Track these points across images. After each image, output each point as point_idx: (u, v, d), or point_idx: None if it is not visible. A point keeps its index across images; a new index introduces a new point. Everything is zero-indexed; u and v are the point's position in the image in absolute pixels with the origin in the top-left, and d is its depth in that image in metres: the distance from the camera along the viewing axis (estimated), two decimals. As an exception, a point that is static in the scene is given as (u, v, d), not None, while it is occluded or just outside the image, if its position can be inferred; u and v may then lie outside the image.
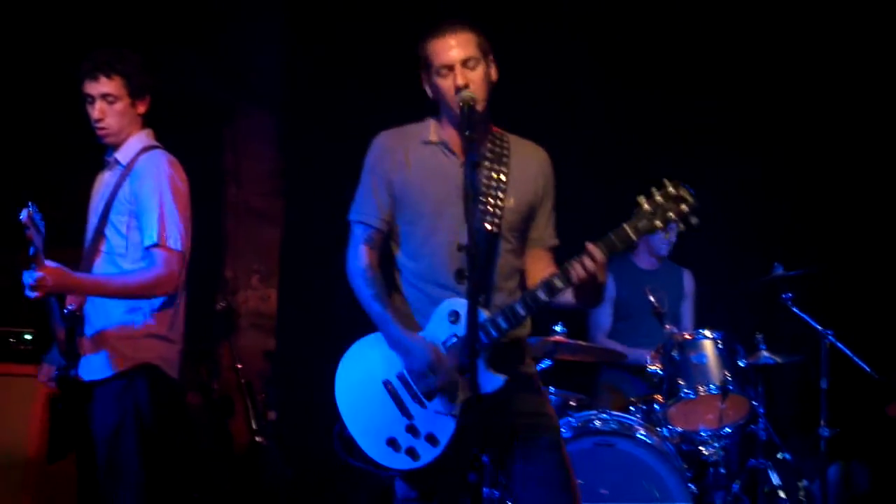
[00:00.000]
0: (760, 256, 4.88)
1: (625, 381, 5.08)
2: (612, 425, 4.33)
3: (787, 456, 5.00)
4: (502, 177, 2.96)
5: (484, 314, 2.80)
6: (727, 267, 5.18)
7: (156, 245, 3.36)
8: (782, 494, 4.76)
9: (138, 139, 3.52)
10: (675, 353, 4.59)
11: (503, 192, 2.94)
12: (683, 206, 2.69)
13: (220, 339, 5.27)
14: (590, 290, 2.82)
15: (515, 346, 2.99)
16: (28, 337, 4.59)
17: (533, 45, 5.32)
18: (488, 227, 2.90)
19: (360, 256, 3.00)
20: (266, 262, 5.72)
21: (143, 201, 3.41)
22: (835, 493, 4.99)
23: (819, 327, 4.71)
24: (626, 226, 2.73)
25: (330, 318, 5.39)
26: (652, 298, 4.62)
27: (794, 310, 4.77)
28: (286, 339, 5.63)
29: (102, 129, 3.47)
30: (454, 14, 2.99)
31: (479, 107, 2.88)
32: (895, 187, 5.34)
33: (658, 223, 2.70)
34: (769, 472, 4.80)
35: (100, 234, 3.46)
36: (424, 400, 2.87)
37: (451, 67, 2.88)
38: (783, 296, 4.78)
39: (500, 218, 2.93)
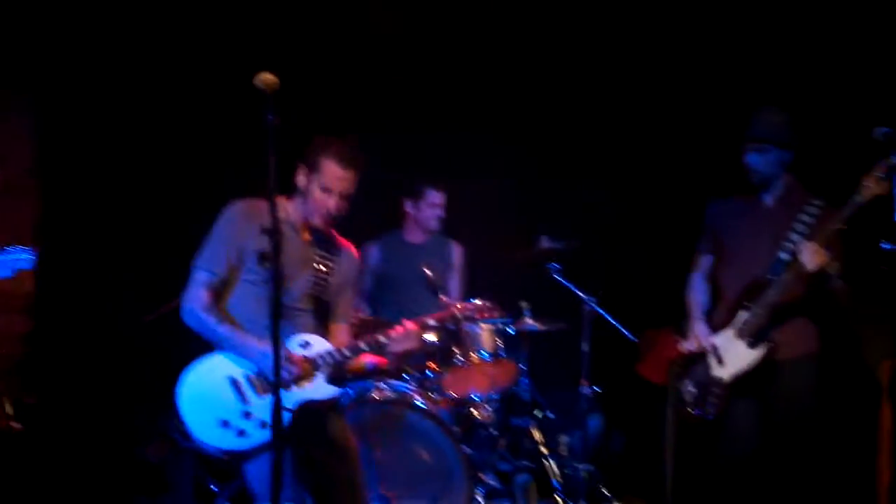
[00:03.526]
0: (527, 229, 5.12)
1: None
2: (389, 394, 4.45)
3: (550, 414, 5.34)
4: (330, 266, 3.65)
5: (329, 346, 3.54)
6: (496, 240, 5.38)
7: None
8: (543, 450, 5.09)
9: None
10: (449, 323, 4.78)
11: (329, 272, 3.64)
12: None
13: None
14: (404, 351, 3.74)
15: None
16: None
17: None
18: (313, 291, 3.60)
19: (200, 298, 3.49)
20: (21, 241, 5.38)
21: None
22: (593, 444, 5.34)
23: (582, 295, 5.04)
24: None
25: (91, 300, 5.23)
26: (427, 272, 4.75)
27: (559, 279, 5.08)
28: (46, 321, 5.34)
29: None
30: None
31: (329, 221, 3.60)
32: (614, 169, 5.73)
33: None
34: (531, 429, 5.12)
35: None
36: (265, 395, 3.39)
37: (332, 192, 3.50)
38: (549, 266, 5.08)
39: (322, 289, 3.62)
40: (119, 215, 5.38)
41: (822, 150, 4.55)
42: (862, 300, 4.71)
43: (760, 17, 5.31)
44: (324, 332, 3.65)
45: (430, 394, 4.68)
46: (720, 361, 4.08)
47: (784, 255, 4.02)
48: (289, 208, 3.59)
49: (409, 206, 5.32)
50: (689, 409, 4.18)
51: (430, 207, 5.27)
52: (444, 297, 4.84)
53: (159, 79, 5.36)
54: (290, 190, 3.59)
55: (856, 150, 3.80)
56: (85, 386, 5.27)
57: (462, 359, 4.74)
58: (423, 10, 5.50)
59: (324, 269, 3.61)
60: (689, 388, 4.18)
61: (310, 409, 3.44)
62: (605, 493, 5.03)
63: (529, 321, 5.01)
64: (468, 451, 4.49)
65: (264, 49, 5.12)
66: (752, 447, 4.08)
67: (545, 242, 4.97)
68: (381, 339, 3.58)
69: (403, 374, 4.76)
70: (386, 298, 5.23)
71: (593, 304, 5.02)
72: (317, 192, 3.51)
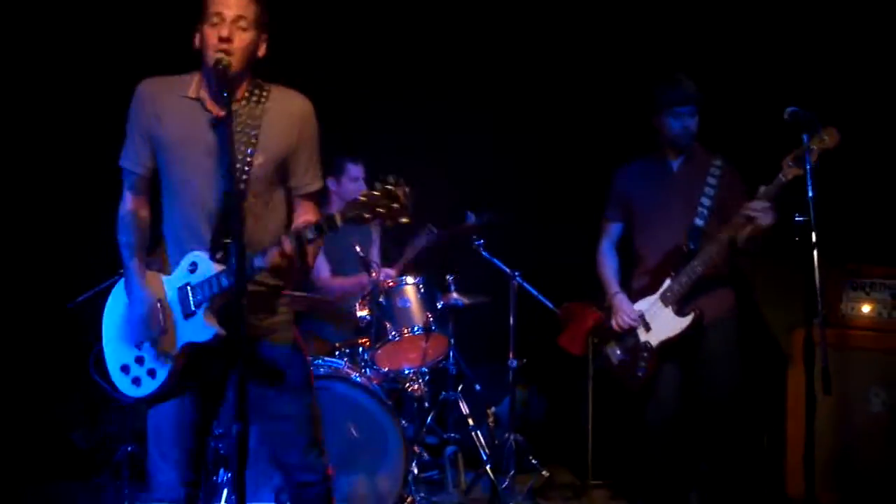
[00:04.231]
0: (455, 206, 5.22)
1: (325, 327, 5.22)
2: (326, 370, 4.49)
3: (478, 387, 5.48)
4: (252, 135, 3.02)
5: (214, 269, 2.96)
6: (425, 216, 5.46)
7: None
8: (471, 422, 5.22)
9: None
10: (381, 299, 4.86)
11: (252, 150, 3.02)
12: (395, 205, 2.77)
13: None
14: (285, 273, 2.97)
15: (259, 297, 3.10)
16: None
17: None
18: (237, 186, 2.97)
19: (124, 202, 3.12)
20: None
21: None
22: (520, 415, 5.50)
23: (507, 269, 5.17)
24: (336, 213, 2.84)
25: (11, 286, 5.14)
26: (358, 249, 4.80)
27: (485, 254, 5.21)
28: None
29: None
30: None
31: (235, 67, 2.93)
32: (575, 148, 5.86)
33: (366, 215, 2.78)
34: (459, 402, 5.23)
35: None
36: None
37: (222, 18, 2.93)
38: (475, 242, 5.20)
39: (247, 176, 3.01)
40: (41, 200, 5.28)
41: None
42: (771, 271, 5.00)
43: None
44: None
45: (363, 369, 4.75)
46: (647, 328, 4.27)
47: (699, 222, 4.24)
48: (194, 84, 3.05)
49: (331, 183, 5.35)
50: (618, 374, 4.36)
51: (352, 182, 5.29)
52: (374, 273, 4.91)
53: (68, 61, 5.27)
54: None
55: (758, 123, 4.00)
56: (9, 373, 5.18)
57: (395, 333, 4.82)
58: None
59: (239, 156, 2.98)
60: (618, 354, 4.36)
61: (195, 353, 3.01)
62: (533, 461, 5.18)
63: (455, 295, 5.12)
64: (404, 423, 4.58)
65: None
66: (677, 409, 4.29)
67: (471, 219, 5.07)
68: (255, 261, 2.92)
69: (335, 352, 4.84)
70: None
71: (518, 279, 5.15)
72: (209, 31, 2.93)
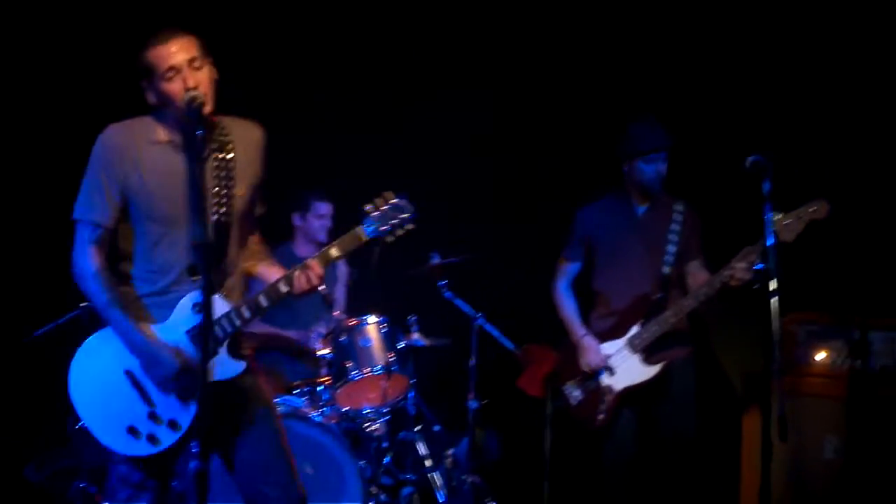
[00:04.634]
0: (419, 246, 5.24)
1: (282, 363, 5.23)
2: (285, 409, 4.47)
3: (437, 427, 5.47)
4: (230, 167, 3.04)
5: (226, 306, 2.98)
6: (388, 255, 5.47)
7: None
8: (428, 462, 5.20)
9: None
10: (343, 338, 4.86)
11: (232, 181, 3.04)
12: (404, 214, 3.04)
13: None
14: (306, 294, 3.08)
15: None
16: None
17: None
18: (222, 219, 3.00)
19: (91, 258, 2.98)
20: None
21: None
22: (479, 456, 5.49)
23: (470, 311, 5.20)
24: (356, 230, 3.04)
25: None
26: (322, 287, 4.79)
27: (448, 295, 5.23)
28: None
29: None
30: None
31: (208, 106, 2.93)
32: (537, 189, 5.90)
33: (384, 228, 3.02)
34: (417, 443, 5.21)
35: None
36: (170, 388, 2.98)
37: (178, 70, 2.92)
38: (438, 283, 5.22)
39: (231, 208, 3.03)
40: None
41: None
42: (728, 316, 5.08)
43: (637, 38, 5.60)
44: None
45: (322, 408, 4.74)
46: (612, 372, 4.31)
47: (666, 270, 4.32)
48: (160, 128, 3.02)
49: (296, 219, 5.37)
50: (576, 414, 4.39)
51: (318, 219, 5.31)
52: (337, 312, 4.93)
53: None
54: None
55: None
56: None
57: (356, 372, 4.81)
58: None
59: (223, 190, 3.00)
60: (577, 395, 4.40)
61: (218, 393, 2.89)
62: (491, 503, 5.16)
63: (417, 336, 5.13)
64: (362, 464, 4.57)
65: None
66: (634, 451, 4.33)
67: (436, 259, 5.10)
68: (282, 287, 3.04)
69: (294, 391, 4.82)
70: (279, 312, 5.15)
71: (481, 320, 5.18)
72: (171, 87, 2.91)
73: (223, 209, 3.00)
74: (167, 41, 2.93)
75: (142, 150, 2.99)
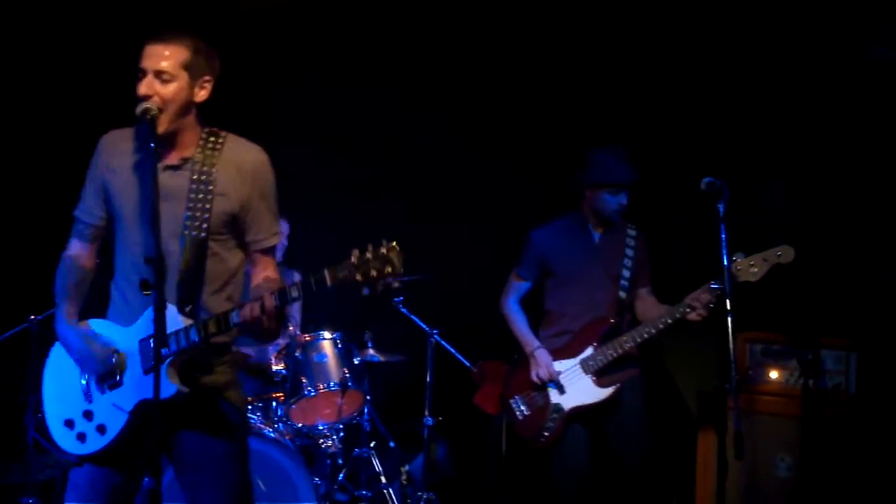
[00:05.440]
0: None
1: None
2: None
3: (392, 443, 5.44)
4: (209, 182, 2.93)
5: (181, 323, 2.82)
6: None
7: None
8: (383, 479, 5.18)
9: None
10: (298, 354, 4.82)
11: (210, 198, 2.93)
12: (388, 269, 2.62)
13: None
14: (257, 330, 2.81)
15: (212, 353, 2.96)
16: None
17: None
18: (194, 233, 2.90)
19: (70, 248, 3.06)
20: None
21: None
22: (434, 473, 5.47)
23: (426, 327, 5.18)
24: (326, 271, 2.68)
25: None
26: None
27: (404, 311, 5.21)
28: None
29: None
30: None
31: (162, 125, 2.86)
32: (493, 206, 5.91)
33: (358, 277, 2.63)
34: (372, 459, 5.18)
35: None
36: (107, 389, 2.92)
37: (144, 73, 2.88)
38: (394, 299, 5.20)
39: (206, 223, 2.92)
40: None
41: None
42: (682, 335, 5.11)
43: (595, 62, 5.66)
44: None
45: (276, 424, 4.69)
46: (562, 391, 4.32)
47: (622, 295, 4.36)
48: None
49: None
50: (520, 429, 4.39)
51: None
52: (291, 327, 4.88)
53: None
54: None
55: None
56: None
57: (311, 388, 4.77)
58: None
59: (198, 203, 2.90)
60: (523, 409, 4.40)
61: (149, 411, 2.81)
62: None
63: (372, 352, 5.11)
64: (317, 481, 4.52)
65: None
66: (585, 465, 4.33)
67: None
68: (233, 316, 2.82)
69: (249, 406, 4.76)
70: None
71: (437, 337, 5.16)
72: (138, 85, 2.87)
73: (198, 224, 2.90)
74: (157, 42, 2.90)
75: (122, 154, 2.99)
